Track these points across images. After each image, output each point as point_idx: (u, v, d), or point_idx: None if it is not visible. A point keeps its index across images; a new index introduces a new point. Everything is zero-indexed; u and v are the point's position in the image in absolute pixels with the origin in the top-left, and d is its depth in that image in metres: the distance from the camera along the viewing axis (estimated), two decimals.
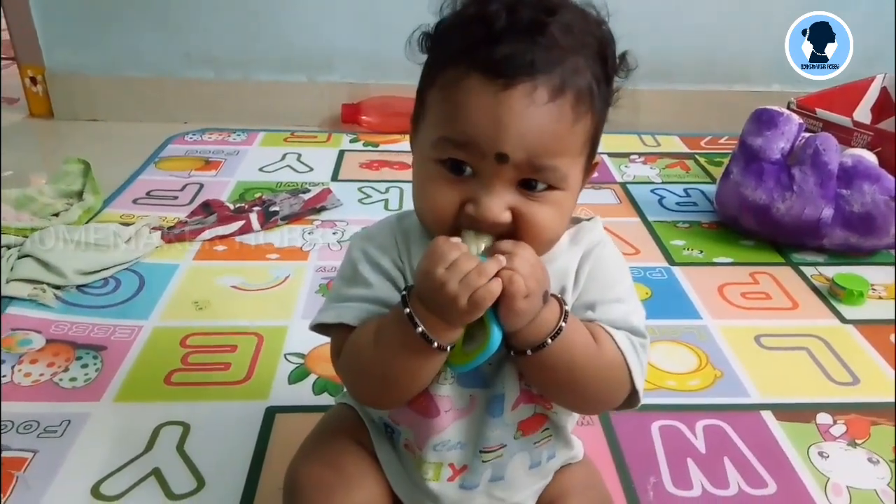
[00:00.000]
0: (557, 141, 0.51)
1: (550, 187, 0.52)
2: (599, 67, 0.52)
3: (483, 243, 0.52)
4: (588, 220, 0.62)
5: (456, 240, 0.51)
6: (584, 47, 0.51)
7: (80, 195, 1.40)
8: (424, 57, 0.56)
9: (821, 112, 1.41)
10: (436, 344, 0.51)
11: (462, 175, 0.52)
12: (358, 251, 0.60)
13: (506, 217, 0.52)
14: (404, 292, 0.52)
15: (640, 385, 0.57)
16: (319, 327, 0.61)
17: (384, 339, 0.54)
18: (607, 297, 0.58)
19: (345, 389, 0.71)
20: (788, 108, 1.40)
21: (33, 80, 1.90)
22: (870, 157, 1.27)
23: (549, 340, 0.52)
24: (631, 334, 0.57)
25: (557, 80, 0.49)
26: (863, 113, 1.56)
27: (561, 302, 0.54)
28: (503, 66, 0.49)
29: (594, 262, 0.58)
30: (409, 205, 0.59)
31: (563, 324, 0.52)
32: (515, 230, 0.52)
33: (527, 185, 0.52)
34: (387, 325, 0.54)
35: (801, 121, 1.31)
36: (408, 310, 0.51)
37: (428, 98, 0.54)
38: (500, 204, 0.51)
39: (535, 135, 0.50)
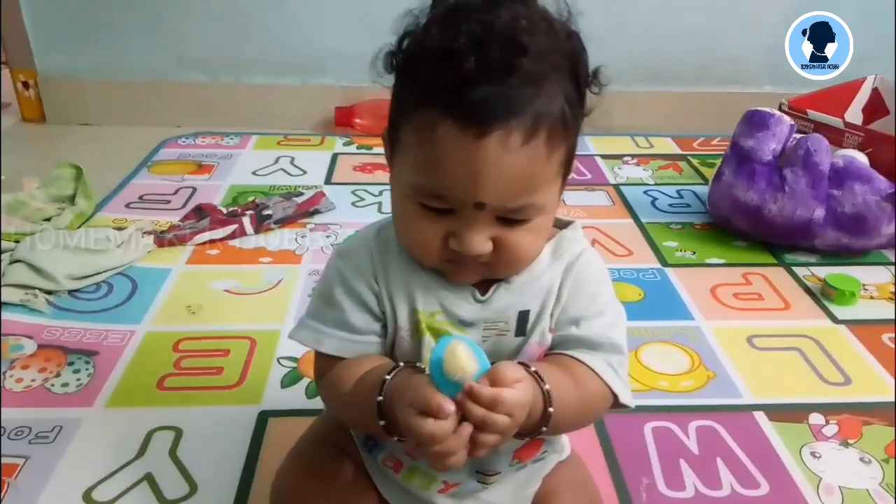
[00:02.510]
0: (533, 181, 0.51)
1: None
2: (572, 88, 0.51)
3: (469, 370, 0.47)
4: (566, 225, 0.61)
5: (449, 404, 0.46)
6: (556, 71, 0.50)
7: (72, 200, 1.39)
8: (391, 75, 0.54)
9: (812, 113, 1.41)
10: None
11: (442, 212, 0.52)
12: (334, 271, 0.60)
13: (488, 248, 0.52)
14: (380, 398, 0.51)
15: (626, 399, 0.58)
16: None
17: (360, 408, 0.54)
18: (591, 311, 0.58)
19: None
20: (780, 109, 1.40)
21: (25, 85, 1.89)
22: (861, 158, 1.28)
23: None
24: (609, 355, 0.57)
25: (530, 121, 0.48)
26: (854, 114, 1.56)
27: (545, 397, 0.51)
28: (476, 114, 0.47)
29: (576, 275, 0.58)
30: None
31: (545, 428, 0.52)
32: (496, 256, 0.53)
33: (506, 219, 0.52)
34: (363, 399, 0.53)
35: (793, 122, 1.32)
36: (383, 422, 0.51)
37: (403, 132, 0.52)
38: (481, 239, 0.51)
39: (511, 180, 0.49)
